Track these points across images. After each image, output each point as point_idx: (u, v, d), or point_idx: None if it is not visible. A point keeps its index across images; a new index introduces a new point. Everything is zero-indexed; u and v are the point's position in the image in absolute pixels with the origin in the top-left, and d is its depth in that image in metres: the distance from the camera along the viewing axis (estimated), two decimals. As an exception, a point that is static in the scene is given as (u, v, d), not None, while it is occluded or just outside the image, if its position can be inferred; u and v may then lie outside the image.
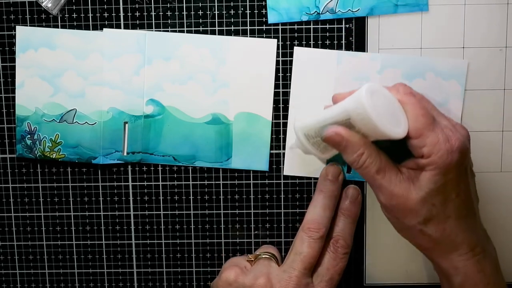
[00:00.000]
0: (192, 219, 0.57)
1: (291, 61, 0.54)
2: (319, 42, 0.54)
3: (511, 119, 0.54)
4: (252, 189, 0.56)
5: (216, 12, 0.54)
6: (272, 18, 0.53)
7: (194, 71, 0.54)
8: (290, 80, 0.54)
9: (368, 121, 0.44)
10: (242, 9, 0.54)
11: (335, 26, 0.53)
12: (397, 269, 0.56)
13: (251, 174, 0.56)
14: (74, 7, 0.54)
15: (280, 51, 0.54)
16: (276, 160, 0.55)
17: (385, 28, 0.53)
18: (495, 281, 0.47)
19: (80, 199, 0.56)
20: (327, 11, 0.53)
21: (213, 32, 0.54)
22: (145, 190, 0.56)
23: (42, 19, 0.54)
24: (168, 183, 0.56)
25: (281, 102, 0.54)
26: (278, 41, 0.54)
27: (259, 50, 0.54)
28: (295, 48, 0.54)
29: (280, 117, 0.55)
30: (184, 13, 0.54)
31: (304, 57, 0.54)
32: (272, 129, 0.55)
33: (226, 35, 0.54)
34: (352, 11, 0.53)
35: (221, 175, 0.56)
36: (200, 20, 0.54)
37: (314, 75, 0.54)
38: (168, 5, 0.54)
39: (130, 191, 0.56)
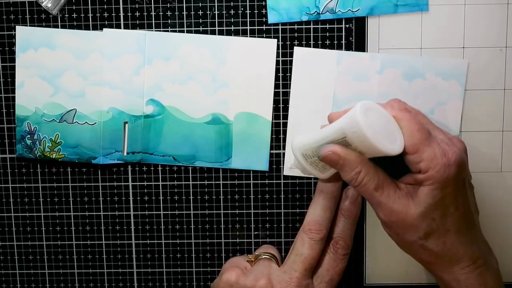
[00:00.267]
0: (192, 219, 0.57)
1: (291, 61, 0.54)
2: (319, 42, 0.54)
3: (511, 119, 0.54)
4: (252, 189, 0.56)
5: (216, 12, 0.54)
6: (272, 18, 0.53)
7: (194, 71, 0.54)
8: (290, 80, 0.54)
9: (364, 138, 0.44)
10: (242, 9, 0.54)
11: (335, 26, 0.53)
12: (397, 269, 0.56)
13: (251, 174, 0.56)
14: (74, 7, 0.54)
15: (280, 51, 0.54)
16: (276, 160, 0.55)
17: (385, 28, 0.53)
18: None
19: (80, 199, 0.56)
20: (327, 11, 0.53)
21: (213, 32, 0.54)
22: (145, 190, 0.56)
23: (42, 19, 0.54)
24: (168, 183, 0.56)
25: (281, 102, 0.54)
26: (278, 41, 0.54)
27: (259, 50, 0.54)
28: (295, 48, 0.54)
29: (280, 117, 0.55)
30: (184, 13, 0.54)
31: (304, 57, 0.54)
32: (272, 129, 0.55)
33: (226, 35, 0.54)
34: (352, 11, 0.53)
35: (221, 175, 0.56)
36: (200, 20, 0.54)
37: (314, 75, 0.54)
38: (168, 5, 0.54)
39: (130, 191, 0.56)
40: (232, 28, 0.54)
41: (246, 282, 0.51)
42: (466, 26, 0.53)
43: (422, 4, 0.53)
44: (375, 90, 0.53)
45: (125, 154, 0.55)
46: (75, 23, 0.54)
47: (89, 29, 0.54)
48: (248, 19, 0.54)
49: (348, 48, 0.54)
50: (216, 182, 0.56)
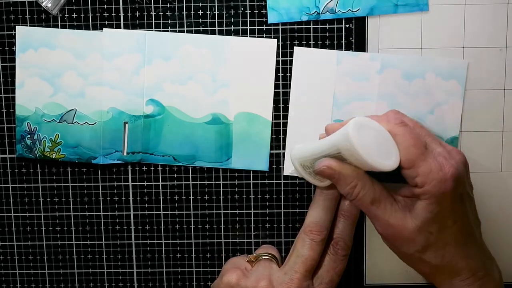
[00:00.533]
0: (192, 219, 0.57)
1: (291, 61, 0.54)
2: (319, 42, 0.54)
3: (511, 119, 0.54)
4: (252, 189, 0.56)
5: (216, 12, 0.54)
6: (272, 18, 0.53)
7: (194, 71, 0.54)
8: (290, 80, 0.54)
9: (357, 156, 0.44)
10: (242, 9, 0.54)
11: (335, 26, 0.53)
12: (397, 269, 0.56)
13: (251, 174, 0.56)
14: (74, 7, 0.54)
15: (280, 51, 0.54)
16: (276, 160, 0.55)
17: (385, 28, 0.53)
18: None
19: (80, 199, 0.56)
20: (327, 11, 0.53)
21: (213, 32, 0.54)
22: (145, 190, 0.56)
23: (42, 19, 0.54)
24: (168, 183, 0.56)
25: (281, 102, 0.54)
26: (278, 41, 0.54)
27: (259, 50, 0.54)
28: (295, 48, 0.54)
29: (280, 117, 0.55)
30: (184, 13, 0.54)
31: (304, 57, 0.54)
32: (272, 129, 0.55)
33: (226, 35, 0.54)
34: (352, 11, 0.53)
35: (221, 175, 0.56)
36: (200, 20, 0.54)
37: (314, 75, 0.54)
38: (168, 5, 0.54)
39: (130, 191, 0.56)
40: (232, 28, 0.54)
41: (247, 283, 0.51)
42: (466, 26, 0.53)
43: (422, 4, 0.53)
44: (375, 90, 0.53)
45: (125, 154, 0.55)
46: (75, 23, 0.54)
47: (89, 29, 0.54)
48: (248, 19, 0.54)
49: (348, 48, 0.54)
50: (216, 182, 0.56)
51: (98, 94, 0.54)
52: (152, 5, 0.54)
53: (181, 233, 0.57)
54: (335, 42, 0.54)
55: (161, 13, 0.54)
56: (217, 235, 0.57)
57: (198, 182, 0.56)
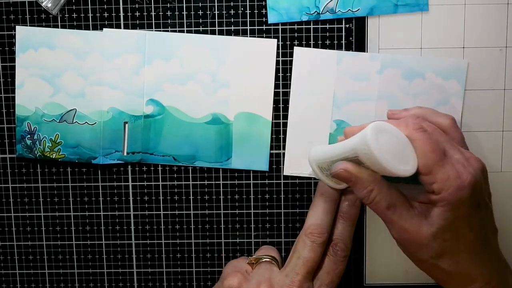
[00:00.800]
0: (192, 219, 0.57)
1: (291, 61, 0.54)
2: (319, 42, 0.54)
3: (511, 119, 0.54)
4: (252, 189, 0.56)
5: (216, 12, 0.54)
6: (272, 18, 0.53)
7: (194, 71, 0.54)
8: (290, 80, 0.54)
9: (374, 161, 0.44)
10: (242, 9, 0.54)
11: (335, 26, 0.53)
12: (397, 269, 0.56)
13: (251, 174, 0.56)
14: (74, 7, 0.54)
15: (280, 51, 0.54)
16: (276, 160, 0.55)
17: (385, 28, 0.53)
18: None
19: (80, 199, 0.56)
20: (327, 11, 0.53)
21: (213, 32, 0.54)
22: (145, 190, 0.56)
23: (42, 19, 0.54)
24: (168, 183, 0.56)
25: (281, 102, 0.54)
26: (278, 41, 0.54)
27: (259, 50, 0.54)
28: (295, 48, 0.54)
29: (280, 117, 0.55)
30: (184, 13, 0.54)
31: (304, 57, 0.54)
32: (272, 129, 0.55)
33: (226, 35, 0.54)
34: (352, 11, 0.53)
35: (221, 175, 0.56)
36: (200, 20, 0.54)
37: (314, 75, 0.54)
38: (168, 5, 0.54)
39: (130, 191, 0.56)
40: (232, 28, 0.54)
41: (248, 287, 0.51)
42: (466, 26, 0.53)
43: (422, 4, 0.53)
44: (375, 90, 0.53)
45: (125, 154, 0.55)
46: (75, 23, 0.54)
47: (89, 29, 0.54)
48: (248, 19, 0.54)
49: (348, 48, 0.54)
50: (216, 182, 0.56)
51: (98, 94, 0.54)
52: (152, 5, 0.54)
53: (181, 233, 0.57)
54: (335, 42, 0.54)
55: (161, 13, 0.54)
56: (217, 235, 0.57)
57: (198, 182, 0.56)
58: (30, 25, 0.54)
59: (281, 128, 0.55)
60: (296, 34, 0.54)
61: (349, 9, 0.53)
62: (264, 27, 0.54)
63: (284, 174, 0.55)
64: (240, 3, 0.53)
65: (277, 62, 0.54)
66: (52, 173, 0.56)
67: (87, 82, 0.54)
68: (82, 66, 0.54)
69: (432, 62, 0.53)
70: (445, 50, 0.53)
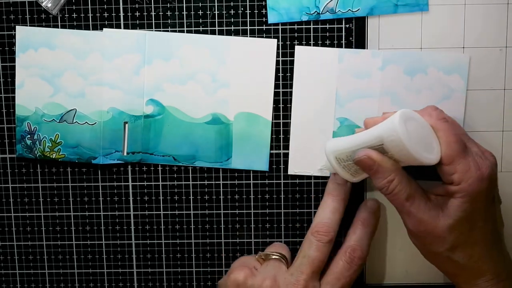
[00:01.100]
0: (192, 219, 0.56)
1: (291, 61, 0.54)
2: (319, 42, 0.54)
3: (511, 119, 0.54)
4: (252, 189, 0.56)
5: (216, 12, 0.54)
6: (272, 18, 0.53)
7: (194, 71, 0.54)
8: (290, 80, 0.54)
9: (402, 147, 0.44)
10: (242, 9, 0.54)
11: (335, 26, 0.54)
12: (397, 269, 0.56)
13: (251, 174, 0.56)
14: (74, 7, 0.54)
15: (280, 51, 0.54)
16: (276, 160, 0.55)
17: (385, 28, 0.53)
18: None
19: (80, 199, 0.56)
20: (327, 11, 0.53)
21: (213, 32, 0.54)
22: (145, 190, 0.56)
23: (42, 19, 0.54)
24: (168, 183, 0.56)
25: (281, 102, 0.54)
26: (278, 41, 0.54)
27: (259, 50, 0.54)
28: (296, 47, 0.54)
29: (280, 117, 0.55)
30: (184, 13, 0.54)
31: (305, 55, 0.54)
32: (272, 129, 0.55)
33: (226, 35, 0.54)
34: (352, 11, 0.53)
35: (221, 175, 0.56)
36: (200, 20, 0.54)
37: (316, 74, 0.54)
38: (168, 5, 0.54)
39: (130, 191, 0.56)
40: (232, 28, 0.54)
41: (254, 282, 0.50)
42: (466, 26, 0.53)
43: (422, 4, 0.53)
44: (377, 87, 0.53)
45: (125, 154, 0.55)
46: (75, 23, 0.54)
47: (89, 29, 0.54)
48: (248, 19, 0.54)
49: (348, 48, 0.54)
50: (216, 182, 0.56)
51: (98, 94, 0.54)
52: (152, 5, 0.54)
53: (181, 233, 0.57)
54: (335, 42, 0.54)
55: (161, 13, 0.54)
56: (217, 235, 0.57)
57: (198, 182, 0.56)
58: (30, 25, 0.54)
59: (281, 128, 0.55)
60: (296, 34, 0.54)
61: (349, 9, 0.53)
62: (264, 27, 0.54)
63: (288, 173, 0.55)
64: (240, 3, 0.53)
65: (277, 62, 0.54)
66: (52, 173, 0.56)
67: (87, 82, 0.54)
68: (82, 66, 0.54)
69: (433, 57, 0.53)
70: (445, 50, 0.53)
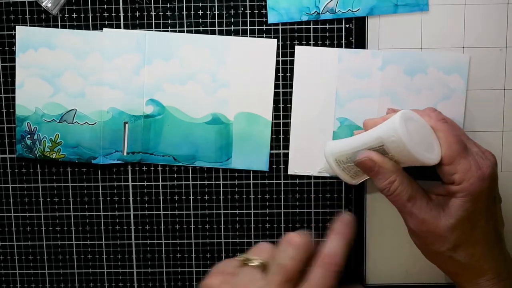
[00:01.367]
0: (192, 219, 0.56)
1: (291, 61, 0.54)
2: (319, 42, 0.54)
3: (511, 119, 0.54)
4: (252, 189, 0.56)
5: (216, 12, 0.54)
6: (272, 18, 0.53)
7: (194, 71, 0.54)
8: (290, 80, 0.54)
9: (403, 148, 0.44)
10: (242, 9, 0.54)
11: (335, 26, 0.54)
12: (397, 269, 0.56)
13: (251, 174, 0.56)
14: (74, 7, 0.54)
15: (280, 51, 0.54)
16: (276, 160, 0.55)
17: (385, 28, 0.53)
18: None
19: (80, 199, 0.56)
20: (327, 11, 0.53)
21: (213, 32, 0.54)
22: (145, 190, 0.56)
23: (42, 19, 0.54)
24: (168, 183, 0.56)
25: (281, 102, 0.54)
26: (278, 41, 0.54)
27: (259, 50, 0.54)
28: (296, 47, 0.54)
29: (280, 117, 0.55)
30: (184, 13, 0.54)
31: (305, 55, 0.54)
32: (272, 129, 0.55)
33: (226, 35, 0.54)
34: (352, 11, 0.53)
35: (221, 175, 0.56)
36: (200, 20, 0.54)
37: (316, 74, 0.54)
38: (168, 5, 0.54)
39: (130, 191, 0.56)
40: (232, 28, 0.54)
41: None
42: (466, 26, 0.53)
43: (422, 4, 0.53)
44: (377, 87, 0.53)
45: (125, 154, 0.55)
46: (75, 23, 0.54)
47: (89, 29, 0.54)
48: (248, 19, 0.54)
49: (348, 48, 0.54)
50: (216, 182, 0.56)
51: (98, 94, 0.54)
52: (152, 5, 0.54)
53: (181, 233, 0.57)
54: (335, 42, 0.54)
55: (161, 13, 0.54)
56: (217, 235, 0.57)
57: (198, 182, 0.56)
58: (30, 25, 0.54)
59: (281, 128, 0.55)
60: (296, 34, 0.54)
61: (349, 9, 0.53)
62: (264, 27, 0.54)
63: (288, 173, 0.55)
64: (240, 3, 0.53)
65: (277, 62, 0.54)
66: (52, 173, 0.56)
67: (87, 82, 0.54)
68: (82, 66, 0.54)
69: (433, 57, 0.53)
70: (445, 50, 0.53)
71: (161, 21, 0.54)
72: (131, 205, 0.56)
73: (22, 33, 0.54)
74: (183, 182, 0.56)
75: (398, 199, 0.46)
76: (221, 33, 0.54)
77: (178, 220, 0.57)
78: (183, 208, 0.56)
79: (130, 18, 0.54)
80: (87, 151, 0.55)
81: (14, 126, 0.55)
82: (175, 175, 0.56)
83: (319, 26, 0.54)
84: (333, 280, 0.49)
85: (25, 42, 0.54)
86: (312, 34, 0.54)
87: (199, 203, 0.56)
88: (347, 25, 0.53)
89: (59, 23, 0.54)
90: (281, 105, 0.54)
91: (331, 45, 0.54)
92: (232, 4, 0.53)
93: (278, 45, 0.54)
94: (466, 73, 0.53)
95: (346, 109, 0.54)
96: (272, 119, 0.55)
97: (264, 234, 0.57)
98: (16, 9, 0.54)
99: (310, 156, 0.54)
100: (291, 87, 0.54)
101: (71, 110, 0.54)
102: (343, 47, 0.54)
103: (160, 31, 0.54)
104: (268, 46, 0.54)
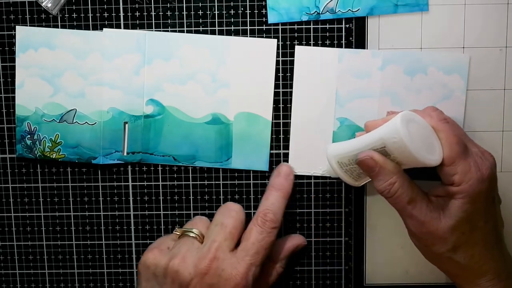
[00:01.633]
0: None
1: (291, 61, 0.54)
2: (319, 42, 0.54)
3: (511, 119, 0.54)
4: (252, 189, 0.56)
5: (216, 12, 0.54)
6: (272, 18, 0.53)
7: (194, 71, 0.54)
8: (290, 80, 0.54)
9: (404, 149, 0.44)
10: (242, 9, 0.54)
11: (335, 26, 0.54)
12: (397, 269, 0.56)
13: (251, 174, 0.56)
14: (74, 7, 0.54)
15: (280, 51, 0.54)
16: (276, 160, 0.55)
17: (385, 28, 0.53)
18: None
19: (80, 199, 0.56)
20: (327, 11, 0.53)
21: (213, 32, 0.54)
22: (145, 190, 0.56)
23: (42, 19, 0.54)
24: (168, 183, 0.56)
25: (281, 102, 0.54)
26: (278, 41, 0.54)
27: (259, 50, 0.54)
28: (296, 47, 0.54)
29: (280, 117, 0.55)
30: (184, 13, 0.54)
31: (305, 55, 0.54)
32: (272, 129, 0.55)
33: (226, 35, 0.54)
34: (352, 11, 0.53)
35: (221, 175, 0.56)
36: (200, 20, 0.54)
37: (316, 74, 0.54)
38: (168, 5, 0.54)
39: (130, 191, 0.56)
40: (232, 28, 0.54)
41: (161, 262, 0.49)
42: (466, 26, 0.53)
43: (422, 4, 0.53)
44: (377, 87, 0.53)
45: (125, 154, 0.55)
46: (75, 23, 0.54)
47: (89, 29, 0.54)
48: (248, 19, 0.54)
49: (348, 48, 0.54)
50: (216, 182, 0.56)
51: (98, 94, 0.54)
52: (152, 5, 0.54)
53: (181, 233, 0.57)
54: (335, 42, 0.54)
55: (161, 13, 0.54)
56: (217, 235, 0.57)
57: (198, 182, 0.56)
58: (30, 25, 0.54)
59: (281, 128, 0.55)
60: (296, 34, 0.54)
61: (349, 9, 0.53)
62: (264, 27, 0.54)
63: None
64: (240, 3, 0.53)
65: (277, 62, 0.54)
66: (52, 173, 0.56)
67: (87, 82, 0.54)
68: (82, 66, 0.54)
69: (433, 57, 0.53)
70: (445, 50, 0.53)
71: (161, 21, 0.54)
72: (131, 205, 0.56)
73: (22, 33, 0.54)
74: (183, 182, 0.56)
75: (398, 201, 0.46)
76: (221, 33, 0.54)
77: (178, 220, 0.56)
78: (183, 208, 0.56)
79: (130, 18, 0.54)
80: (87, 151, 0.55)
81: (14, 126, 0.55)
82: (175, 175, 0.56)
83: (319, 26, 0.54)
84: (271, 236, 0.49)
85: (25, 42, 0.54)
86: (312, 34, 0.54)
87: (199, 203, 0.56)
88: (347, 25, 0.53)
89: (59, 23, 0.54)
90: (281, 105, 0.54)
91: (331, 45, 0.54)
92: (232, 4, 0.53)
93: (278, 45, 0.54)
94: (466, 73, 0.53)
95: (346, 109, 0.54)
96: (272, 119, 0.55)
97: (264, 234, 0.56)
98: (16, 9, 0.54)
99: (310, 156, 0.54)
100: (291, 87, 0.54)
101: (71, 110, 0.54)
102: (343, 47, 0.54)
103: (160, 31, 0.54)
104: (268, 46, 0.54)
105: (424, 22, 0.53)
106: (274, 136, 0.55)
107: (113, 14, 0.54)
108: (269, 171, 0.55)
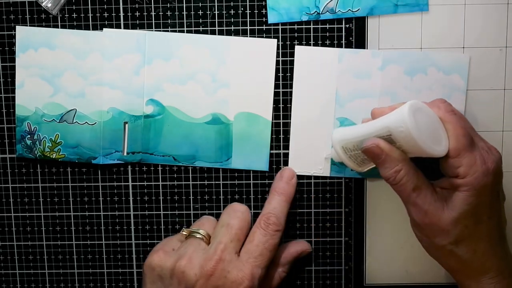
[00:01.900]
0: (192, 219, 0.56)
1: (291, 61, 0.54)
2: (319, 42, 0.54)
3: (511, 119, 0.54)
4: (252, 189, 0.56)
5: (216, 12, 0.54)
6: (272, 18, 0.53)
7: (194, 71, 0.54)
8: (290, 80, 0.54)
9: (410, 138, 0.44)
10: (242, 9, 0.54)
11: (335, 26, 0.54)
12: (397, 269, 0.56)
13: (251, 174, 0.56)
14: (74, 7, 0.54)
15: (280, 51, 0.54)
16: (276, 160, 0.55)
17: (385, 28, 0.53)
18: None
19: (80, 199, 0.56)
20: (327, 11, 0.53)
21: (213, 32, 0.54)
22: (145, 190, 0.56)
23: (42, 19, 0.54)
24: (168, 183, 0.56)
25: (281, 102, 0.54)
26: (278, 41, 0.54)
27: (259, 50, 0.54)
28: (296, 47, 0.54)
29: (280, 117, 0.55)
30: (184, 13, 0.54)
31: (305, 55, 0.54)
32: (272, 129, 0.55)
33: (226, 35, 0.54)
34: (352, 11, 0.53)
35: (221, 175, 0.56)
36: (200, 20, 0.54)
37: (316, 74, 0.54)
38: (168, 5, 0.54)
39: (130, 191, 0.56)
40: (232, 28, 0.54)
41: (167, 264, 0.49)
42: (466, 26, 0.53)
43: (422, 4, 0.53)
44: (377, 87, 0.53)
45: (125, 154, 0.55)
46: (75, 23, 0.54)
47: (89, 29, 0.54)
48: (248, 19, 0.54)
49: (348, 48, 0.54)
50: (216, 182, 0.56)
51: (98, 94, 0.54)
52: (152, 5, 0.54)
53: (181, 233, 0.57)
54: (335, 42, 0.54)
55: (161, 13, 0.54)
56: (217, 235, 0.57)
57: (198, 182, 0.56)
58: (30, 25, 0.54)
59: (281, 128, 0.55)
60: (296, 34, 0.54)
61: (349, 9, 0.53)
62: (264, 27, 0.54)
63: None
64: (240, 3, 0.53)
65: (277, 62, 0.54)
66: (52, 173, 0.56)
67: (87, 82, 0.54)
68: (82, 66, 0.54)
69: (433, 57, 0.53)
70: (445, 50, 0.53)
71: (161, 21, 0.54)
72: (131, 205, 0.56)
73: (22, 33, 0.54)
74: (183, 182, 0.56)
75: (403, 188, 0.46)
76: (221, 33, 0.54)
77: (178, 220, 0.56)
78: (183, 208, 0.56)
79: (130, 18, 0.54)
80: (87, 151, 0.55)
81: (14, 126, 0.55)
82: (175, 175, 0.56)
83: (319, 26, 0.54)
84: (275, 239, 0.50)
85: (25, 42, 0.54)
86: (312, 34, 0.54)
87: (199, 203, 0.56)
88: (347, 25, 0.53)
89: (59, 23, 0.54)
90: (281, 105, 0.54)
91: (331, 45, 0.54)
92: (232, 4, 0.53)
93: (278, 45, 0.54)
94: (466, 73, 0.53)
95: (346, 109, 0.54)
96: (272, 119, 0.55)
97: (264, 234, 0.56)
98: (16, 9, 0.54)
99: (310, 156, 0.54)
100: (291, 87, 0.54)
101: (71, 110, 0.54)
102: (343, 47, 0.54)
103: (160, 31, 0.54)
104: (268, 46, 0.54)
105: (424, 22, 0.53)
106: (274, 136, 0.55)
107: (113, 14, 0.54)
108: (269, 171, 0.55)
